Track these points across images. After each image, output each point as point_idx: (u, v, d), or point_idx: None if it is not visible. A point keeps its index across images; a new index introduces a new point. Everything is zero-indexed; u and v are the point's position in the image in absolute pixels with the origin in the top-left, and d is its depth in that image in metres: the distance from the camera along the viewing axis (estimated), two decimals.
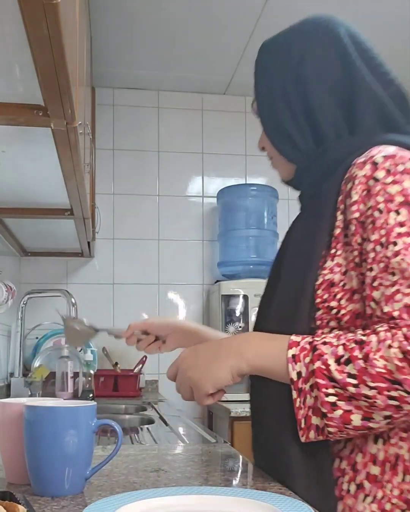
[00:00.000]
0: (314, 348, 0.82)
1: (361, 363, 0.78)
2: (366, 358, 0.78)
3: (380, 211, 0.83)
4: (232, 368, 0.88)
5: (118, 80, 3.15)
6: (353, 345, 0.80)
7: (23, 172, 1.59)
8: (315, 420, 0.82)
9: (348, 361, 0.79)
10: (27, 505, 0.71)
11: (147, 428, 1.84)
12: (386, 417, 0.79)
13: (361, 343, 0.79)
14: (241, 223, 3.03)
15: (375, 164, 0.86)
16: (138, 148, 3.24)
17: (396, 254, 0.81)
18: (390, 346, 0.77)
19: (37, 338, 2.96)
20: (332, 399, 0.80)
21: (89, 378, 2.56)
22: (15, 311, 2.60)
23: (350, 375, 0.78)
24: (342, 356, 0.80)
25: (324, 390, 0.80)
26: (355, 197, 0.86)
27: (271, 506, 0.71)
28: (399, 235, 0.82)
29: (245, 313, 2.78)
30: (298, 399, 0.83)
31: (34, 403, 0.87)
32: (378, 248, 0.83)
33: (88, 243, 2.68)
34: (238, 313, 2.80)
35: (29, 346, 2.92)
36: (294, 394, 0.83)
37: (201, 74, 3.09)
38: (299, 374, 0.83)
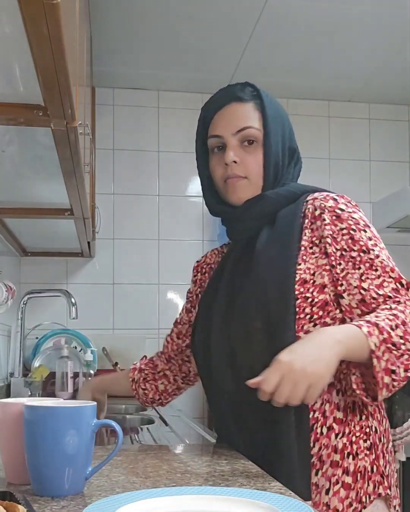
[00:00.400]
0: (375, 324, 1.06)
1: (403, 327, 1.07)
2: (404, 323, 1.07)
3: (354, 230, 1.17)
4: (337, 355, 1.03)
5: (118, 80, 3.15)
6: (392, 317, 1.08)
7: (23, 172, 1.59)
8: (386, 379, 1.05)
9: (395, 328, 1.06)
10: (27, 505, 0.72)
11: (147, 428, 1.84)
12: None
13: (394, 315, 1.08)
14: None
15: (335, 200, 1.21)
16: (138, 148, 3.24)
17: (377, 256, 1.16)
18: None
19: (37, 338, 2.96)
20: (394, 358, 1.05)
21: (89, 378, 2.56)
22: (15, 311, 2.60)
23: (400, 337, 1.06)
24: (391, 325, 1.07)
25: (394, 352, 1.05)
26: (327, 220, 1.18)
27: (271, 506, 0.71)
28: (373, 244, 1.17)
29: None
30: (377, 365, 1.04)
31: (34, 403, 0.87)
32: (362, 254, 1.16)
33: (88, 243, 2.68)
34: None
35: (29, 346, 2.92)
36: (374, 361, 1.04)
37: (201, 74, 3.09)
38: (375, 344, 1.04)
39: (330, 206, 1.20)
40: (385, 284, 1.14)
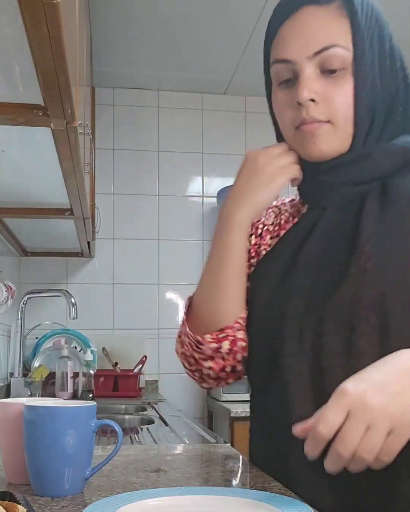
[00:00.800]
0: None
1: None
2: None
3: None
4: None
5: (118, 80, 3.15)
6: None
7: (23, 172, 1.59)
8: None
9: None
10: (27, 505, 0.72)
11: (147, 428, 1.84)
12: None
13: None
14: None
15: None
16: (138, 148, 3.24)
17: None
18: None
19: (37, 338, 2.96)
20: None
21: (89, 378, 2.56)
22: (15, 311, 2.60)
23: None
24: None
25: None
26: None
27: (271, 506, 0.71)
28: None
29: None
30: None
31: (34, 403, 0.87)
32: None
33: (88, 243, 2.68)
34: None
35: (29, 346, 2.92)
36: None
37: (201, 74, 3.09)
38: None
39: None
40: None
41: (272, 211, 1.05)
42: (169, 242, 3.22)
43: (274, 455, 0.90)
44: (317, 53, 0.85)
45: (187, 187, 3.28)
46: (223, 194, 3.09)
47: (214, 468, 1.03)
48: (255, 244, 1.02)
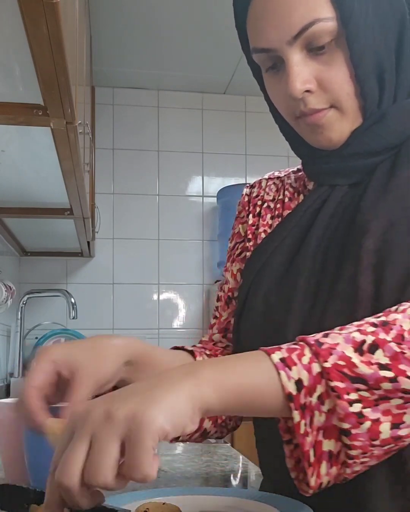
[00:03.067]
0: (314, 343, 0.54)
1: (393, 346, 0.54)
2: (399, 338, 0.54)
3: None
4: (190, 393, 0.51)
5: (118, 79, 3.15)
6: (372, 328, 0.56)
7: (23, 171, 1.59)
8: (327, 446, 0.53)
9: (373, 348, 0.54)
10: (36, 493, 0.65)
11: None
12: None
13: (384, 325, 0.56)
14: None
15: None
16: (138, 148, 3.24)
17: None
18: None
19: (36, 338, 2.96)
20: (357, 408, 0.53)
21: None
22: (15, 311, 2.60)
23: (382, 367, 0.53)
24: (363, 341, 0.54)
25: (345, 396, 0.52)
26: None
27: (271, 507, 0.71)
28: None
29: None
30: (303, 422, 0.53)
31: None
32: None
33: (88, 243, 2.68)
34: None
35: (28, 346, 2.92)
36: (296, 415, 0.52)
37: (201, 74, 3.09)
38: (298, 383, 0.53)
39: None
40: None
41: (273, 183, 0.93)
42: (169, 242, 3.22)
43: (273, 459, 0.80)
44: (297, 35, 0.71)
45: (187, 186, 3.28)
46: (223, 194, 3.10)
47: (214, 468, 1.03)
48: (252, 224, 0.92)
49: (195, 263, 3.23)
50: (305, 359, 0.54)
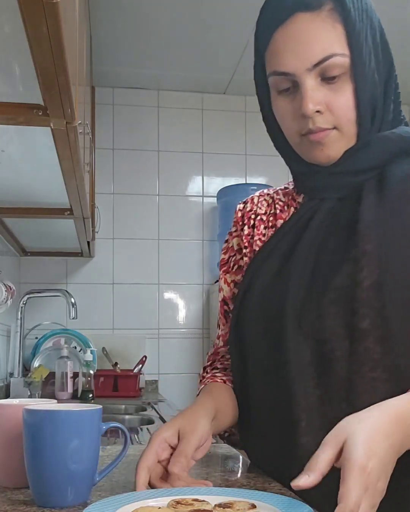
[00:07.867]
0: None
1: None
2: None
3: None
4: (398, 453, 0.68)
5: (118, 79, 3.15)
6: None
7: (23, 172, 1.59)
8: None
9: None
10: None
11: (147, 428, 1.84)
12: None
13: None
14: None
15: None
16: (138, 148, 3.24)
17: None
18: None
19: (36, 338, 2.97)
20: None
21: (89, 378, 2.56)
22: (15, 311, 2.60)
23: None
24: None
25: None
26: None
27: (271, 506, 0.71)
28: None
29: None
30: None
31: (35, 407, 0.79)
32: None
33: (88, 243, 2.68)
34: None
35: (28, 346, 2.92)
36: None
37: (201, 74, 3.09)
38: None
39: None
40: None
41: (264, 199, 1.05)
42: (169, 242, 3.22)
43: (273, 452, 0.90)
44: (316, 65, 0.85)
45: (187, 186, 3.28)
46: (223, 194, 3.10)
47: (214, 468, 1.03)
48: (248, 234, 1.02)
49: (196, 263, 3.23)
50: None
